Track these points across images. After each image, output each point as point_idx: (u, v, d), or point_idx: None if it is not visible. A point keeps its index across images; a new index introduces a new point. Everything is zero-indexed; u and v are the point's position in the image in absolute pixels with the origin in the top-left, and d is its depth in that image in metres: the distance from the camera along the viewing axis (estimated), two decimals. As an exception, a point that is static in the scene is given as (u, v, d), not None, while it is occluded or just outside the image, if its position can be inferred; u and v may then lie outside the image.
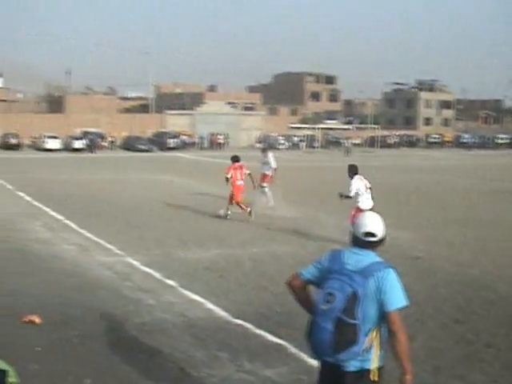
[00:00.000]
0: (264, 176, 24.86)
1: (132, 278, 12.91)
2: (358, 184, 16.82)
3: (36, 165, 47.75)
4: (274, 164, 25.16)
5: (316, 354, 5.31)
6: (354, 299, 5.01)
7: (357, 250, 5.34)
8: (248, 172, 21.61)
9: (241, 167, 21.66)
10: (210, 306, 11.06)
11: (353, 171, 17.15)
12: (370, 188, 17.12)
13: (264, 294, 11.96)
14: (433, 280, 13.20)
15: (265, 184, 24.55)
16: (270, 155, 25.58)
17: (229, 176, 21.27)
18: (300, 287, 5.55)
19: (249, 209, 20.85)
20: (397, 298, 5.08)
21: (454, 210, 24.48)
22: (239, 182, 21.26)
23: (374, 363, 5.16)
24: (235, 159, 21.98)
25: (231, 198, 21.17)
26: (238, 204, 21.08)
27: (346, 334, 4.99)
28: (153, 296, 11.55)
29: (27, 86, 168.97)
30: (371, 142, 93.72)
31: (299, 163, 53.66)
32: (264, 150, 26.84)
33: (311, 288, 5.51)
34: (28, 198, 25.52)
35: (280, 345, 9.20)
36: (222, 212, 21.21)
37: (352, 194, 16.79)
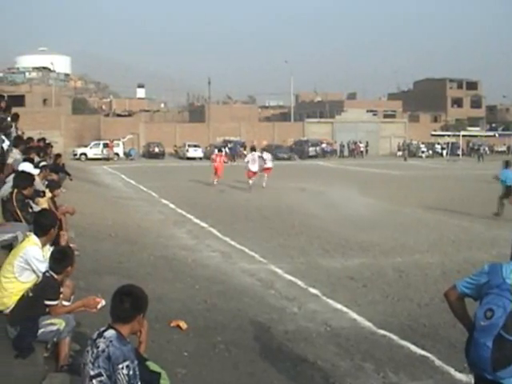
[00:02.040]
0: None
1: (275, 285, 12.95)
2: None
3: (179, 173, 48.84)
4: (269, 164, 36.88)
5: (474, 370, 5.12)
6: None
7: None
8: (225, 160, 38.74)
9: (221, 155, 37.57)
10: (353, 315, 10.97)
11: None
12: None
13: (409, 305, 11.76)
14: None
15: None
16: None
17: (213, 157, 37.27)
18: (456, 299, 5.38)
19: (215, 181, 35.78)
20: None
21: None
22: (216, 164, 36.25)
23: None
24: (220, 150, 40.16)
25: (215, 172, 36.12)
26: (218, 176, 35.93)
27: (506, 351, 4.80)
28: (296, 304, 11.56)
29: (169, 96, 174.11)
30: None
31: (439, 171, 52.32)
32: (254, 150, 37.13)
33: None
34: (172, 206, 26.10)
35: (425, 357, 9.05)
36: (215, 183, 35.37)
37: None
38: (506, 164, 26.31)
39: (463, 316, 5.38)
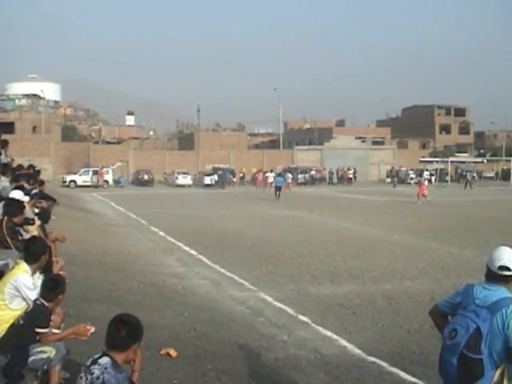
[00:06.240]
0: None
1: (265, 313, 12.95)
2: None
3: (168, 200, 48.83)
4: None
5: None
6: (477, 335, 5.02)
7: (488, 284, 5.37)
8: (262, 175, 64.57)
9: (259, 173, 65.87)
10: (343, 342, 10.96)
11: None
12: None
13: (399, 331, 11.76)
14: None
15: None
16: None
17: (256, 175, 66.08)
18: (438, 317, 5.71)
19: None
20: None
21: None
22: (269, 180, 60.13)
23: None
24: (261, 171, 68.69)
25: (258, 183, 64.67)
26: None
27: (471, 369, 5.08)
28: (286, 332, 11.54)
29: (158, 123, 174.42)
30: (504, 175, 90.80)
31: (428, 198, 52.34)
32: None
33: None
34: (161, 233, 26.09)
35: (415, 384, 9.03)
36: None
37: None
38: (278, 174, 58.79)
39: None
